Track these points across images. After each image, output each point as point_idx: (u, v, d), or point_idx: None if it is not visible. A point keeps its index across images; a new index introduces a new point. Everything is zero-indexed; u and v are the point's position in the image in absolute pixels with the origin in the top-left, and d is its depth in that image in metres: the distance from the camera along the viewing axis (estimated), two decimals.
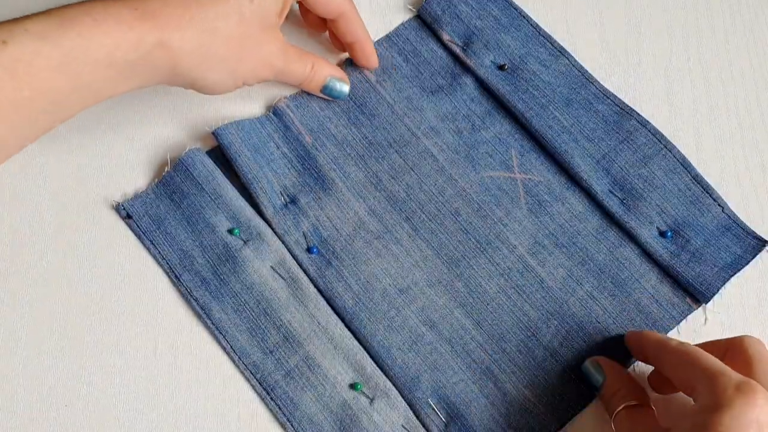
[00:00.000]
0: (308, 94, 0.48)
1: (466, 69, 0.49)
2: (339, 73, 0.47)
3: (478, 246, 0.44)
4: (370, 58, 0.48)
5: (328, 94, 0.47)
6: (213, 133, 0.45)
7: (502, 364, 0.42)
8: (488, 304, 0.43)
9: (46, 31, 0.34)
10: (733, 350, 0.37)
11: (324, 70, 0.46)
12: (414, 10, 0.51)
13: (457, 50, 0.49)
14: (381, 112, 0.48)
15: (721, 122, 0.49)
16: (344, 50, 0.49)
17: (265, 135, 0.47)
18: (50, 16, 0.35)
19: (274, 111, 0.47)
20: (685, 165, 0.46)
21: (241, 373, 0.41)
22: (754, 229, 0.45)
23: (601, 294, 0.43)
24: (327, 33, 0.50)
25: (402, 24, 0.51)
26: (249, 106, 0.48)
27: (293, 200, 0.45)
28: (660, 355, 0.38)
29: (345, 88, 0.47)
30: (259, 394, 0.41)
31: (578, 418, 0.41)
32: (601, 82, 0.49)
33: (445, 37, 0.50)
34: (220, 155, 0.46)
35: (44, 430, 0.40)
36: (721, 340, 0.38)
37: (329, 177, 0.46)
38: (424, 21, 0.50)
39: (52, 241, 0.44)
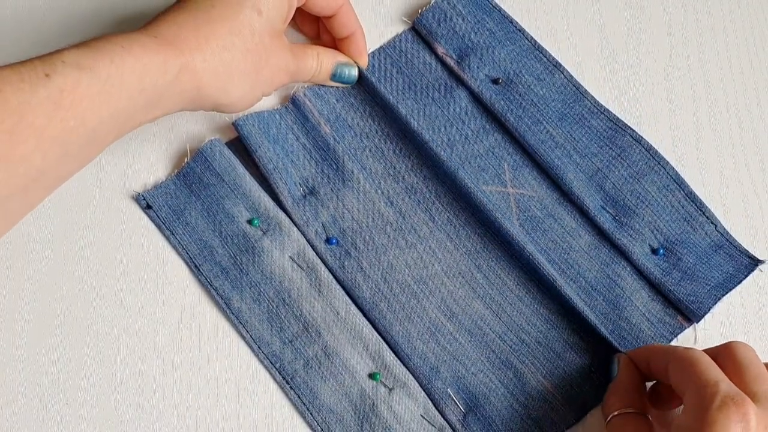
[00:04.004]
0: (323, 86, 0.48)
1: (460, 82, 0.49)
2: (344, 57, 0.47)
3: (496, 238, 0.44)
4: (363, 53, 0.48)
5: (338, 80, 0.47)
6: (233, 124, 0.45)
7: (521, 355, 0.42)
8: (508, 296, 0.43)
9: (82, 61, 0.34)
10: (722, 357, 0.36)
11: (329, 57, 0.46)
12: (409, 22, 0.51)
13: (452, 63, 0.49)
14: (392, 104, 0.47)
15: (721, 122, 0.49)
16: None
17: (284, 126, 0.47)
18: (81, 47, 0.35)
19: (293, 101, 0.48)
20: (679, 182, 0.46)
21: (261, 362, 0.42)
22: (756, 231, 0.45)
23: (593, 312, 0.43)
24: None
25: (396, 36, 0.50)
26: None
27: (312, 191, 0.45)
28: (666, 364, 0.37)
29: (354, 71, 0.47)
30: (279, 384, 0.41)
31: (597, 411, 0.41)
32: (601, 81, 0.49)
33: (440, 49, 0.49)
34: (240, 146, 0.46)
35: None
36: (710, 348, 0.37)
37: (348, 168, 0.46)
38: (418, 33, 0.50)
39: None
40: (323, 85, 0.48)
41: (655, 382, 0.40)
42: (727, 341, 0.37)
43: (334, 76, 0.47)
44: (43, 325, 0.42)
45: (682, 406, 0.34)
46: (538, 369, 0.42)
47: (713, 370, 0.34)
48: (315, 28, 0.49)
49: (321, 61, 0.46)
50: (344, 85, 0.48)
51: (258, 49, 0.41)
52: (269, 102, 0.48)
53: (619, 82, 0.50)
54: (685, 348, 0.36)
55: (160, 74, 0.37)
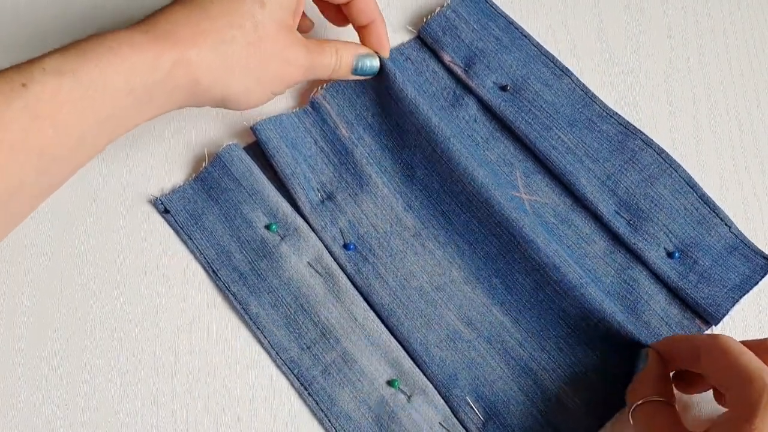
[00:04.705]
0: (342, 81, 0.47)
1: (468, 90, 0.48)
2: (363, 49, 0.46)
3: (512, 239, 0.43)
4: (384, 42, 0.46)
5: (360, 74, 0.46)
6: (251, 129, 0.45)
7: (541, 362, 0.42)
8: (526, 301, 0.43)
9: (63, 66, 0.34)
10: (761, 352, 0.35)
11: (349, 51, 0.45)
12: (414, 31, 0.51)
13: (459, 71, 0.49)
14: (405, 95, 0.46)
15: (721, 123, 0.49)
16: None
17: (302, 130, 0.47)
18: (66, 50, 0.35)
19: (312, 104, 0.47)
20: (691, 184, 0.45)
21: (279, 368, 0.41)
22: (756, 232, 0.44)
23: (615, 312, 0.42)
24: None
25: (402, 44, 0.50)
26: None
27: (330, 196, 0.45)
28: (696, 354, 0.36)
29: (375, 62, 0.46)
30: (297, 390, 0.41)
31: (619, 416, 0.40)
32: (601, 83, 0.49)
33: (447, 58, 0.49)
34: (258, 151, 0.46)
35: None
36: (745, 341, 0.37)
37: (366, 172, 0.46)
38: (424, 42, 0.50)
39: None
40: (344, 80, 0.47)
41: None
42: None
43: (355, 70, 0.45)
44: (42, 326, 0.42)
45: (709, 392, 0.35)
46: (558, 375, 0.41)
47: (754, 362, 0.33)
48: (341, 16, 0.48)
49: (340, 57, 0.44)
50: (366, 77, 0.47)
51: (261, 43, 0.40)
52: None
53: (619, 83, 0.50)
54: (714, 336, 0.36)
55: (150, 72, 0.36)
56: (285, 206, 0.44)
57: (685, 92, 0.50)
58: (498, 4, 0.51)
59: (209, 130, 0.47)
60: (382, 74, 0.47)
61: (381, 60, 0.46)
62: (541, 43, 0.50)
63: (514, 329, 0.42)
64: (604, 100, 0.48)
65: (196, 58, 0.37)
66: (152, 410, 0.40)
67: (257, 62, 0.40)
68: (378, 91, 0.47)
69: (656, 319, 0.43)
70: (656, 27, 0.52)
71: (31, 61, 0.34)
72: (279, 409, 0.41)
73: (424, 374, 0.41)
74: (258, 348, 0.42)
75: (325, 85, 0.48)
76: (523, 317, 0.43)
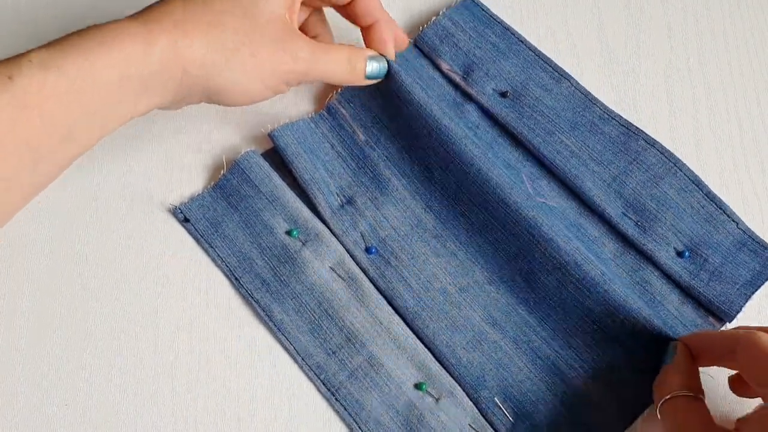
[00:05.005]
0: (356, 86, 0.47)
1: (468, 97, 0.48)
2: (370, 51, 0.45)
3: (532, 238, 0.43)
4: (388, 43, 0.45)
5: (373, 77, 0.45)
6: (269, 135, 0.45)
7: (569, 360, 0.41)
8: (551, 300, 0.43)
9: (50, 59, 0.34)
10: None
11: (361, 57, 0.43)
12: (410, 40, 0.50)
13: (458, 79, 0.48)
14: (413, 97, 0.46)
15: (721, 123, 0.49)
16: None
17: (319, 135, 0.47)
18: (54, 43, 0.35)
19: (328, 109, 0.47)
20: (697, 183, 0.45)
21: (305, 374, 0.41)
22: (756, 232, 0.44)
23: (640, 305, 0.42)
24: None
25: (399, 54, 0.48)
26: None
27: (350, 200, 0.45)
28: (730, 350, 0.36)
29: (384, 64, 0.45)
30: (324, 395, 0.41)
31: (649, 412, 0.40)
32: (601, 83, 0.49)
33: (445, 66, 0.49)
34: (276, 157, 0.46)
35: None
36: None
37: (384, 176, 0.46)
38: (421, 51, 0.49)
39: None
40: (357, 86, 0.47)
41: None
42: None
43: (368, 75, 0.44)
44: (42, 326, 0.42)
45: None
46: (586, 373, 0.41)
47: None
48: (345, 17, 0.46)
49: (354, 63, 0.43)
50: (376, 81, 0.46)
51: (252, 30, 0.39)
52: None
53: (619, 83, 0.50)
54: (752, 332, 0.35)
55: (141, 60, 0.36)
56: (305, 212, 0.44)
57: (685, 92, 0.50)
58: (499, 5, 0.51)
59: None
60: (389, 77, 0.46)
61: (388, 62, 0.46)
62: (541, 44, 0.50)
63: (540, 328, 0.42)
64: (604, 101, 0.48)
65: (184, 42, 0.37)
66: (152, 410, 0.40)
67: (245, 49, 0.39)
68: (389, 93, 0.47)
69: (671, 318, 0.43)
70: (656, 27, 0.52)
71: (18, 55, 0.34)
72: (279, 409, 0.41)
73: (452, 376, 0.41)
74: (283, 354, 0.42)
75: (339, 89, 0.48)
76: (549, 316, 0.43)
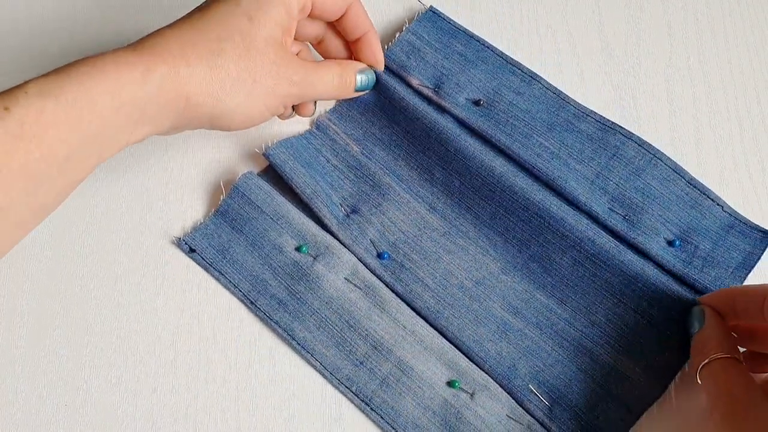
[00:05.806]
0: (345, 103, 0.47)
1: (442, 110, 0.47)
2: (360, 64, 0.45)
3: (542, 221, 0.43)
4: (378, 54, 0.45)
5: (362, 89, 0.45)
6: (264, 155, 0.45)
7: (594, 337, 0.42)
8: (568, 280, 0.43)
9: (46, 88, 0.34)
10: None
11: (350, 71, 0.44)
12: None
13: (429, 93, 0.48)
14: (408, 102, 0.46)
15: (721, 122, 0.49)
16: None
17: (313, 150, 0.46)
18: (50, 73, 0.35)
19: (317, 126, 0.47)
20: (678, 171, 0.46)
21: (336, 388, 0.41)
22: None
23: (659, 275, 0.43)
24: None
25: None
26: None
27: (355, 209, 0.45)
28: (759, 306, 0.36)
29: (372, 76, 0.46)
30: (358, 407, 0.40)
31: (679, 378, 0.40)
32: (601, 82, 0.49)
33: (415, 82, 0.48)
34: (274, 175, 0.45)
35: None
36: None
37: (384, 182, 0.45)
38: (389, 68, 0.48)
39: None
40: (348, 101, 0.47)
41: None
42: None
43: (357, 88, 0.45)
44: (42, 326, 0.41)
45: None
46: (613, 347, 0.41)
47: None
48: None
49: (344, 77, 0.44)
50: (365, 92, 0.46)
51: (251, 56, 0.39)
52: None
53: (619, 82, 0.50)
54: (749, 287, 0.36)
55: (139, 87, 0.36)
56: (312, 226, 0.44)
57: (686, 91, 0.50)
58: (499, 5, 0.51)
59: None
60: (378, 87, 0.46)
61: (376, 72, 0.46)
62: (542, 43, 0.50)
63: (561, 310, 0.43)
64: (604, 100, 0.49)
65: (186, 70, 0.37)
66: (152, 410, 0.40)
67: (247, 75, 0.39)
68: (378, 103, 0.47)
69: None
70: (656, 26, 0.52)
71: (15, 87, 0.34)
72: (279, 409, 0.40)
73: (483, 370, 0.41)
74: (311, 371, 0.41)
75: (329, 108, 0.48)
76: (568, 296, 0.43)
